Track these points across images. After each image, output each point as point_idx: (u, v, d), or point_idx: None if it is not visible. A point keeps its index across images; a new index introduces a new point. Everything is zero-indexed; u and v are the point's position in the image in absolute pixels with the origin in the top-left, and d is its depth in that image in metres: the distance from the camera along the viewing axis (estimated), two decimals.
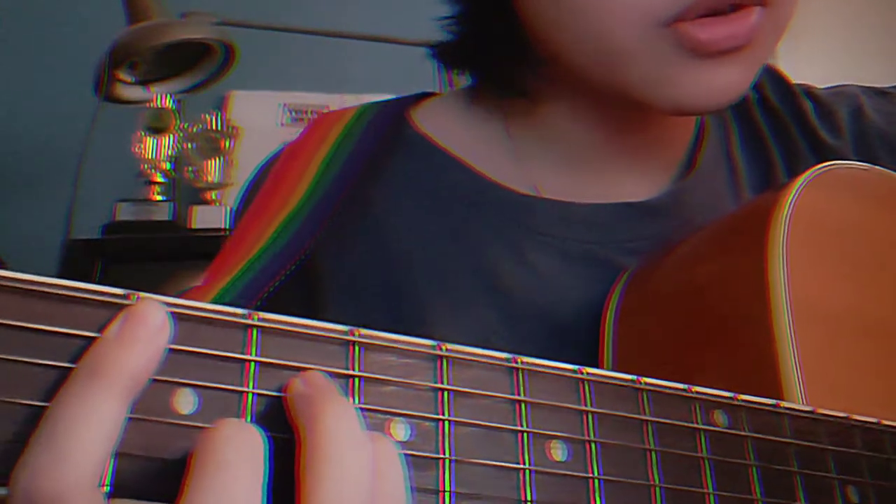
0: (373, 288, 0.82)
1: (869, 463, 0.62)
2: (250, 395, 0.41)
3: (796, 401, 0.64)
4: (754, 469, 0.56)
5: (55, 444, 0.36)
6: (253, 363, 0.42)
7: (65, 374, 0.38)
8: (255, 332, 0.42)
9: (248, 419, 0.41)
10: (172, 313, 0.41)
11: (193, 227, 2.51)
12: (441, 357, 0.47)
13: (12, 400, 0.37)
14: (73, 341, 0.39)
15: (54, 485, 0.36)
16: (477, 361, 0.48)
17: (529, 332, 0.80)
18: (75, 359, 0.38)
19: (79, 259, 2.22)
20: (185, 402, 0.39)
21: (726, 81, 0.73)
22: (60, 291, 0.38)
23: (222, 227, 2.47)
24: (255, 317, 0.42)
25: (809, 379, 0.66)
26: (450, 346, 0.48)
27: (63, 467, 0.36)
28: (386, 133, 0.90)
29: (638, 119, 0.85)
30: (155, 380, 0.40)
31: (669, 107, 0.75)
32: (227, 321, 0.42)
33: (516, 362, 0.49)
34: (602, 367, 0.63)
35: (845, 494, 0.60)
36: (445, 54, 0.91)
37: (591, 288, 0.81)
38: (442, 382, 0.46)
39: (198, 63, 2.43)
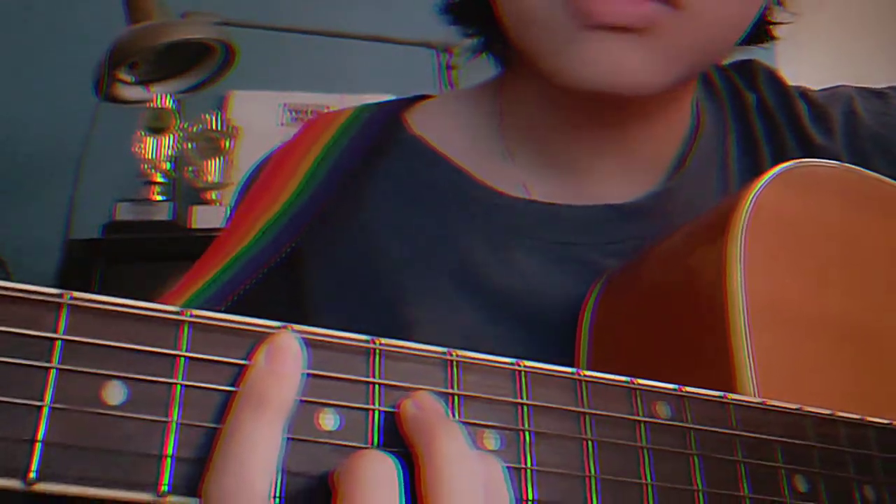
0: (360, 286, 0.83)
1: (820, 453, 0.63)
2: (178, 387, 0.43)
3: (748, 395, 0.65)
4: (696, 458, 0.57)
5: (242, 468, 0.42)
6: (183, 358, 0.44)
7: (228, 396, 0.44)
8: (186, 327, 0.44)
9: (176, 411, 0.43)
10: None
11: (193, 227, 2.52)
12: (374, 350, 0.49)
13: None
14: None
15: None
16: (410, 354, 0.50)
17: (513, 331, 0.81)
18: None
19: (79, 259, 2.22)
20: (115, 394, 0.42)
21: (615, 61, 0.74)
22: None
23: (222, 226, 2.46)
24: (188, 313, 0.44)
25: (763, 376, 0.67)
26: (384, 340, 0.49)
27: (249, 489, 0.42)
28: (380, 134, 0.91)
29: (613, 114, 0.86)
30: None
31: (562, 79, 0.76)
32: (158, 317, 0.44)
33: (451, 355, 0.51)
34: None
35: (792, 483, 0.60)
36: (451, 10, 0.93)
37: (574, 288, 0.82)
38: (374, 376, 0.48)
39: (198, 63, 2.44)
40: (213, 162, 2.63)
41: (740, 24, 0.80)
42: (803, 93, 1.00)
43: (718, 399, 0.60)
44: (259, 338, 0.46)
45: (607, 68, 0.74)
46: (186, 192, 2.62)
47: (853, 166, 0.84)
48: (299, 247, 0.84)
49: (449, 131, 0.92)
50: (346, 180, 0.87)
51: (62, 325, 0.41)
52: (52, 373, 0.40)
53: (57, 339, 0.41)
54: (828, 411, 0.65)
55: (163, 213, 2.47)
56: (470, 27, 0.93)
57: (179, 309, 0.44)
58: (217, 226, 2.47)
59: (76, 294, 0.41)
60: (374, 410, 0.47)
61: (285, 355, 0.45)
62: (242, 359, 0.45)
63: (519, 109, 0.90)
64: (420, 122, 0.92)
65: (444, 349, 0.51)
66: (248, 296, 0.81)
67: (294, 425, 0.46)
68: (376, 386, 0.48)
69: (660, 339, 0.75)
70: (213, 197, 2.62)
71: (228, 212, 2.28)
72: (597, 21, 0.73)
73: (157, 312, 0.43)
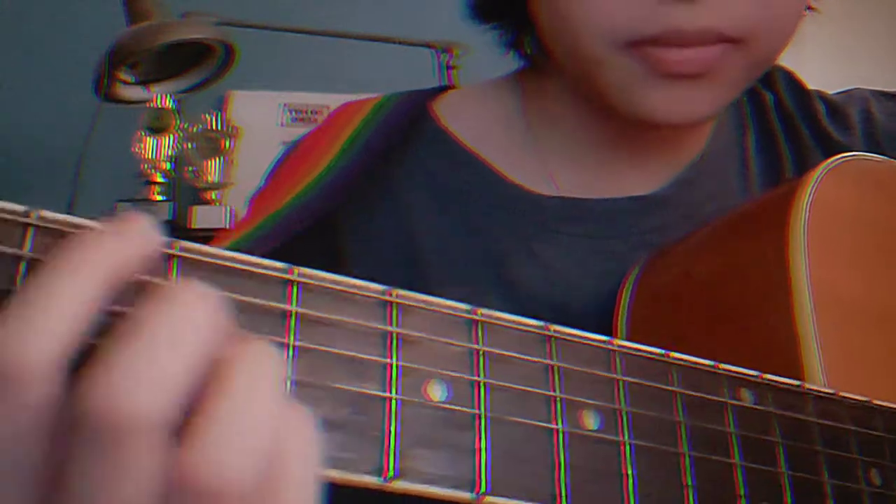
0: (387, 269, 0.84)
1: (891, 446, 0.62)
2: (291, 349, 0.41)
3: (818, 383, 0.64)
4: (780, 446, 0.56)
5: (26, 311, 0.35)
6: (293, 315, 0.41)
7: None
8: (295, 287, 0.42)
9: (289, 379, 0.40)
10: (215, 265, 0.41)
11: (193, 227, 2.51)
12: (476, 321, 0.47)
13: None
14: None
15: (20, 350, 0.34)
16: (510, 328, 0.48)
17: None
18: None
19: None
20: None
21: (685, 103, 0.76)
22: None
23: (222, 226, 2.47)
24: (296, 272, 0.42)
25: (829, 363, 0.66)
26: (484, 311, 0.48)
27: (30, 335, 0.35)
28: (407, 122, 0.92)
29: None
30: None
31: (634, 117, 0.78)
32: (267, 275, 0.42)
33: (549, 330, 0.49)
34: None
35: (868, 476, 0.60)
36: (478, 7, 0.93)
37: (601, 282, 0.82)
38: (477, 345, 0.47)
39: (198, 63, 2.43)
40: (213, 162, 2.63)
41: (789, 38, 0.81)
42: (821, 94, 1.01)
43: (795, 388, 0.59)
44: (365, 301, 0.44)
45: (674, 111, 0.77)
46: (186, 192, 2.61)
47: None
48: (335, 221, 0.85)
49: (476, 123, 0.92)
50: (377, 161, 0.88)
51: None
52: None
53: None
54: (894, 405, 0.65)
55: (163, 213, 2.48)
56: (498, 26, 0.93)
57: (288, 266, 0.42)
58: (217, 226, 2.47)
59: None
60: (479, 382, 0.45)
61: (125, 222, 0.39)
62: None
63: (544, 104, 0.91)
64: (449, 115, 0.93)
65: (542, 323, 0.50)
66: (275, 255, 0.80)
67: (403, 396, 0.43)
68: (480, 356, 0.46)
69: (710, 325, 0.74)
70: (213, 197, 2.62)
71: (233, 211, 2.25)
72: (668, 71, 0.74)
73: (265, 269, 0.41)
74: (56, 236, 0.38)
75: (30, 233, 0.38)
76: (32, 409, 0.35)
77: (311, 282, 0.43)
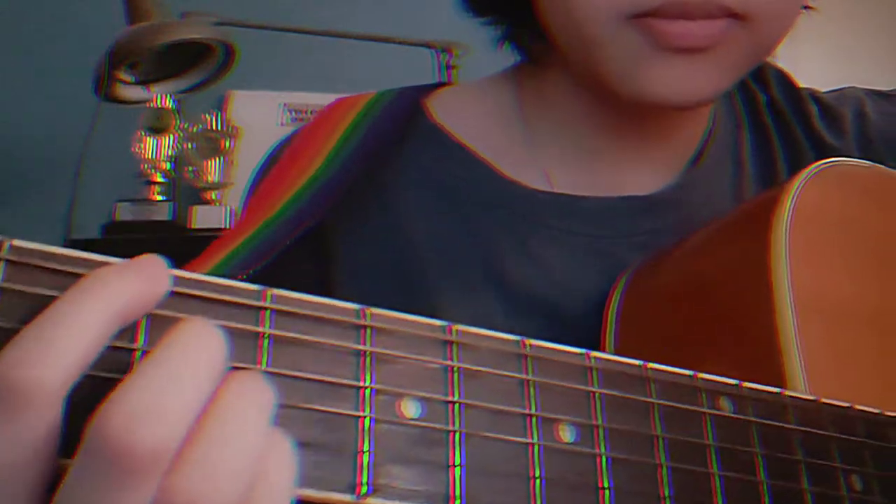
0: (383, 268, 0.84)
1: (872, 452, 0.62)
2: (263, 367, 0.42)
3: (799, 390, 0.64)
4: (759, 455, 0.56)
5: (38, 337, 0.37)
6: (266, 336, 0.42)
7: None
8: (268, 309, 0.43)
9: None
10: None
11: (193, 227, 2.51)
12: (451, 342, 0.48)
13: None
14: None
15: (27, 373, 0.36)
16: (485, 344, 0.49)
17: (533, 323, 0.82)
18: None
19: None
20: None
21: (687, 79, 0.75)
22: None
23: (222, 226, 2.47)
24: (269, 295, 0.43)
25: (811, 369, 0.66)
26: (459, 328, 0.48)
27: (38, 361, 0.37)
28: (401, 119, 0.91)
29: (647, 113, 0.86)
30: None
31: (634, 98, 0.77)
32: (242, 303, 0.43)
33: (524, 346, 0.50)
34: None
35: (849, 483, 0.60)
36: (473, 0, 0.92)
37: (596, 281, 0.83)
38: (452, 361, 0.47)
39: (198, 63, 2.43)
40: (213, 162, 2.63)
41: (791, 23, 0.80)
42: (813, 94, 1.01)
43: (775, 396, 0.60)
44: (338, 321, 0.45)
45: (676, 88, 0.76)
46: (186, 192, 2.61)
47: (884, 167, 0.84)
48: (326, 221, 0.84)
49: (471, 120, 0.92)
50: (370, 162, 0.87)
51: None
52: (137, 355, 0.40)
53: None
54: (876, 410, 0.65)
55: (163, 213, 2.48)
56: (494, 18, 0.92)
57: (261, 288, 0.43)
58: (217, 226, 2.47)
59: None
60: (453, 401, 0.46)
61: (140, 261, 0.42)
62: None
63: (542, 99, 0.90)
64: (442, 111, 0.92)
65: (518, 338, 0.50)
66: (272, 266, 0.80)
67: (376, 414, 0.44)
68: (455, 372, 0.47)
69: (695, 331, 0.75)
70: (213, 197, 2.62)
71: (233, 211, 2.25)
72: (671, 44, 0.73)
73: (238, 295, 0.42)
74: (28, 267, 0.40)
75: (0, 264, 0.39)
76: (34, 430, 0.37)
77: (284, 307, 0.43)
